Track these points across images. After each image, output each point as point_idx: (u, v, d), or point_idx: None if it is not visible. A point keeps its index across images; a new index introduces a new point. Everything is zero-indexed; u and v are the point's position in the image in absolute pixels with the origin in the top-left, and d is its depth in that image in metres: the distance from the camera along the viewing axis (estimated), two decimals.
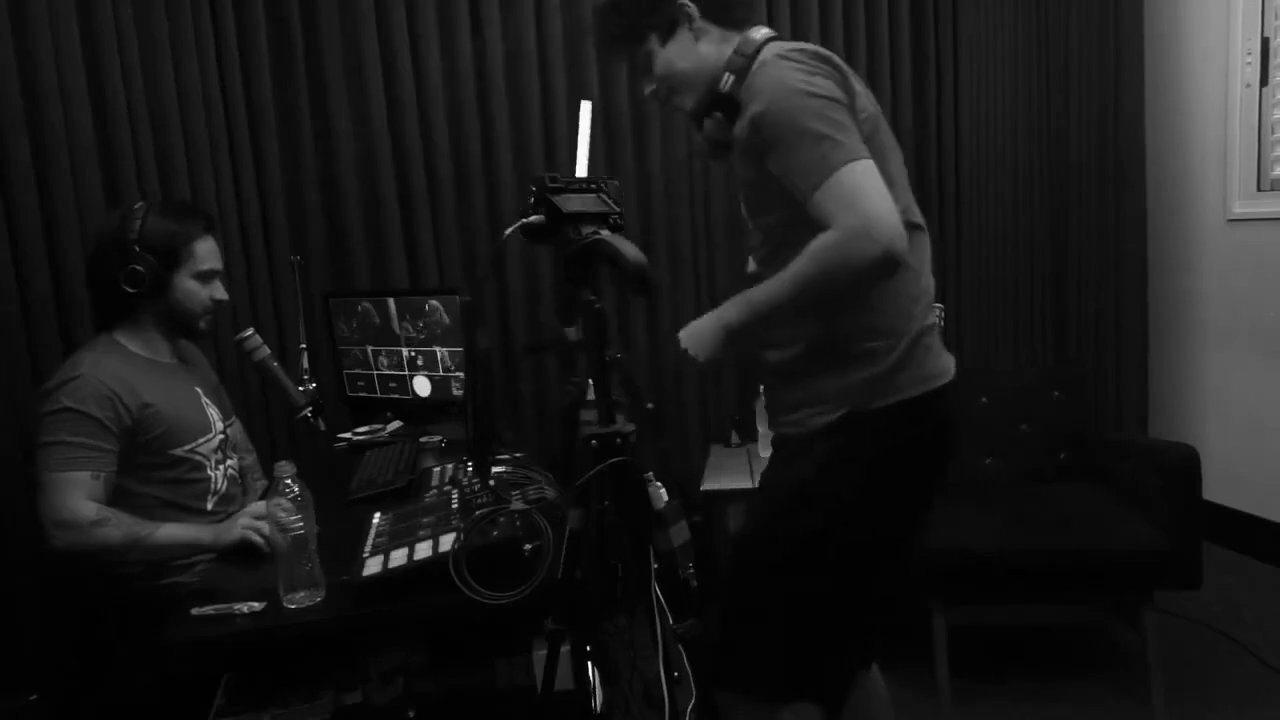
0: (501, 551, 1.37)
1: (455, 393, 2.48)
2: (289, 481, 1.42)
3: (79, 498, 1.64)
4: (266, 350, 1.93)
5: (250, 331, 1.94)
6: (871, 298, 1.32)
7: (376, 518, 1.65)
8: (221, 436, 1.93)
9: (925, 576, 2.29)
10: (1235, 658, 2.43)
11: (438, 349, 2.48)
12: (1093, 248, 3.15)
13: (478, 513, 1.42)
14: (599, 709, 1.56)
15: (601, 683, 1.57)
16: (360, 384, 2.65)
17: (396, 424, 2.54)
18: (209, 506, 1.86)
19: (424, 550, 1.41)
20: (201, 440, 1.86)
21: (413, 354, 2.53)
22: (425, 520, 1.57)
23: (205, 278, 1.86)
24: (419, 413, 2.55)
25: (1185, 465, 2.19)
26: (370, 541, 1.53)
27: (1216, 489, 2.98)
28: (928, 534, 2.34)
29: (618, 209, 1.37)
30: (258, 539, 1.65)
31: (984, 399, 2.71)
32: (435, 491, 1.80)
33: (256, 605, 1.40)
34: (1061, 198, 3.14)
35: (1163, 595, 2.31)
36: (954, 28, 3.08)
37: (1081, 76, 3.06)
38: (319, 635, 1.38)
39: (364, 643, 1.53)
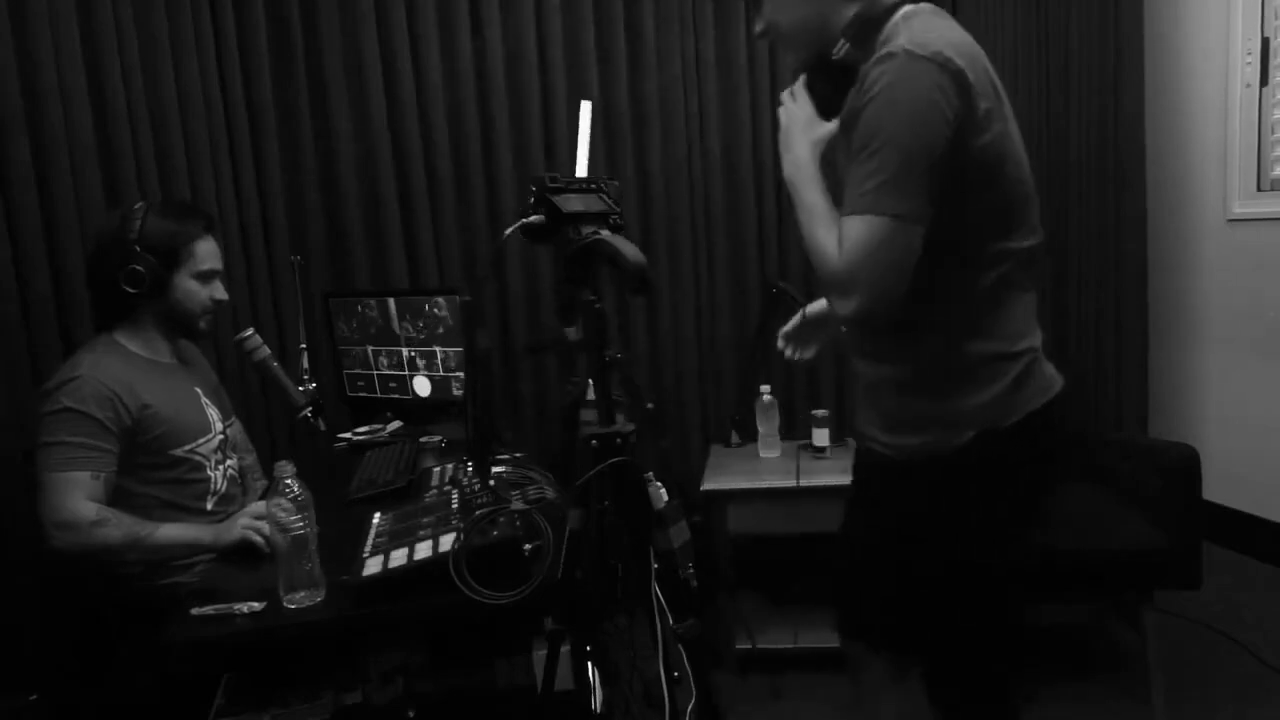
0: (501, 551, 1.37)
1: (455, 393, 2.48)
2: (289, 481, 1.42)
3: (79, 498, 1.64)
4: (266, 350, 1.93)
5: (250, 331, 1.94)
6: (993, 318, 1.27)
7: (376, 518, 1.65)
8: (221, 437, 1.93)
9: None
10: (1235, 658, 2.43)
11: (438, 349, 2.48)
12: (1093, 248, 3.15)
13: (478, 513, 1.42)
14: (599, 709, 1.56)
15: (601, 683, 1.57)
16: (360, 384, 2.65)
17: (396, 424, 2.54)
18: (209, 507, 1.86)
19: (424, 550, 1.41)
20: (201, 440, 1.86)
21: (413, 354, 2.53)
22: (425, 520, 1.57)
23: (205, 278, 1.86)
24: (419, 413, 2.55)
25: (1185, 465, 2.19)
26: (370, 541, 1.53)
27: (1216, 489, 2.98)
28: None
29: (618, 209, 1.36)
30: (258, 539, 1.65)
31: None
32: (435, 491, 1.80)
33: (256, 605, 1.40)
34: (1061, 198, 3.14)
35: (1163, 595, 2.30)
36: None
37: (1081, 76, 3.06)
38: (319, 635, 1.38)
39: (364, 643, 1.53)
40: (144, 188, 2.31)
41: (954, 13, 3.06)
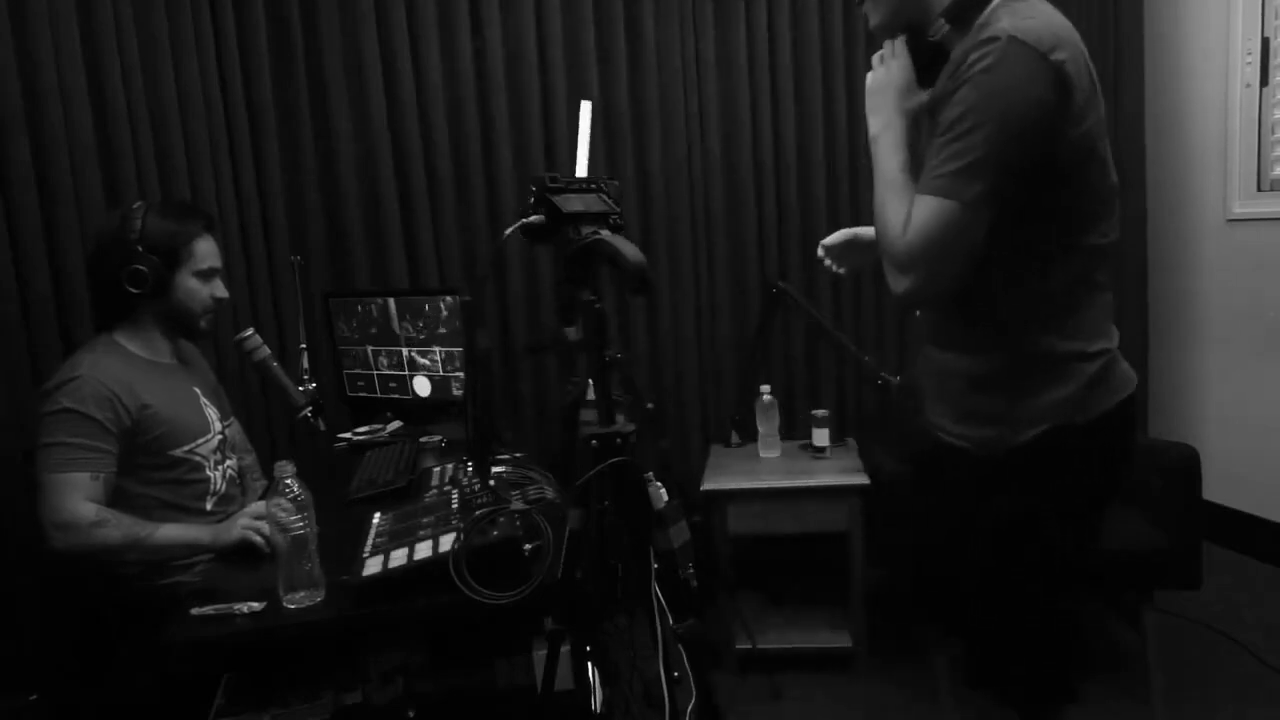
0: (501, 551, 1.37)
1: (455, 393, 2.48)
2: (289, 481, 1.42)
3: (78, 499, 1.64)
4: (266, 350, 1.93)
5: (250, 331, 1.94)
6: (1072, 317, 1.28)
7: (376, 518, 1.65)
8: (220, 437, 1.93)
9: (926, 577, 2.29)
10: (1235, 658, 2.43)
11: (438, 349, 2.48)
12: None
13: (478, 513, 1.42)
14: (599, 709, 1.56)
15: (601, 683, 1.57)
16: (360, 384, 2.65)
17: (396, 424, 2.54)
18: (208, 507, 1.86)
19: (424, 550, 1.41)
20: (200, 441, 1.86)
21: (413, 354, 2.53)
22: (425, 520, 1.57)
23: (206, 276, 1.86)
24: (419, 413, 2.55)
25: (1185, 465, 2.19)
26: (370, 541, 1.53)
27: (1216, 489, 2.98)
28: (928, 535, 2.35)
29: (618, 209, 1.36)
30: (257, 539, 1.65)
31: None
32: (435, 491, 1.80)
33: (256, 605, 1.40)
34: None
35: (1163, 595, 2.31)
36: None
37: None
38: (319, 635, 1.38)
39: (364, 643, 1.53)
40: (144, 188, 2.31)
41: None
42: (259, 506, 1.72)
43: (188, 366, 1.97)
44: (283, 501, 1.40)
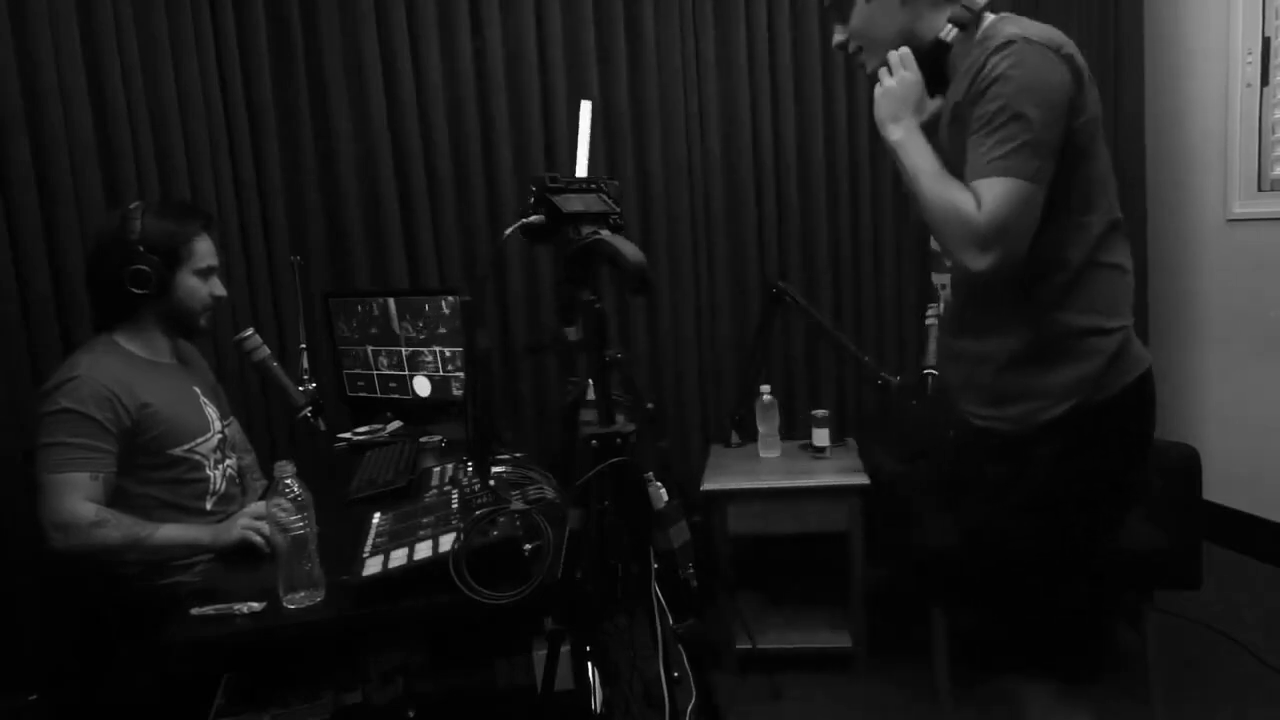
0: (501, 551, 1.37)
1: (455, 393, 2.48)
2: (289, 481, 1.42)
3: (78, 499, 1.64)
4: (266, 350, 1.93)
5: (250, 331, 1.94)
6: (1089, 293, 1.35)
7: (376, 518, 1.65)
8: (220, 436, 1.93)
9: (926, 577, 2.29)
10: (1235, 658, 2.43)
11: (437, 349, 2.48)
12: None
13: (478, 513, 1.42)
14: (599, 709, 1.56)
15: (601, 683, 1.57)
16: (360, 384, 2.65)
17: (396, 424, 2.54)
18: (208, 506, 1.86)
19: (424, 550, 1.41)
20: (200, 440, 1.86)
21: (413, 354, 2.53)
22: (425, 520, 1.57)
23: (205, 275, 1.87)
24: (419, 413, 2.55)
25: (1185, 465, 2.19)
26: (370, 541, 1.53)
27: (1216, 489, 2.98)
28: (927, 534, 2.35)
29: (618, 209, 1.36)
30: (257, 539, 1.65)
31: None
32: (435, 491, 1.80)
33: (256, 605, 1.40)
34: None
35: (1163, 595, 2.31)
36: None
37: None
38: (319, 635, 1.38)
39: (364, 643, 1.52)
40: (144, 188, 2.31)
41: None
42: (259, 507, 1.72)
43: (187, 366, 1.97)
44: (283, 501, 1.40)
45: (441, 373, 2.49)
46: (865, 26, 1.45)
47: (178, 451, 1.81)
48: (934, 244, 1.55)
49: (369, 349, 2.60)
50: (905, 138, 1.39)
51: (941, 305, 1.55)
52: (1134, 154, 3.10)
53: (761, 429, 2.75)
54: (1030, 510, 1.40)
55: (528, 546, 1.44)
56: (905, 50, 1.41)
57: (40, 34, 2.07)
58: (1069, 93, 1.27)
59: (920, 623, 2.39)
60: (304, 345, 2.39)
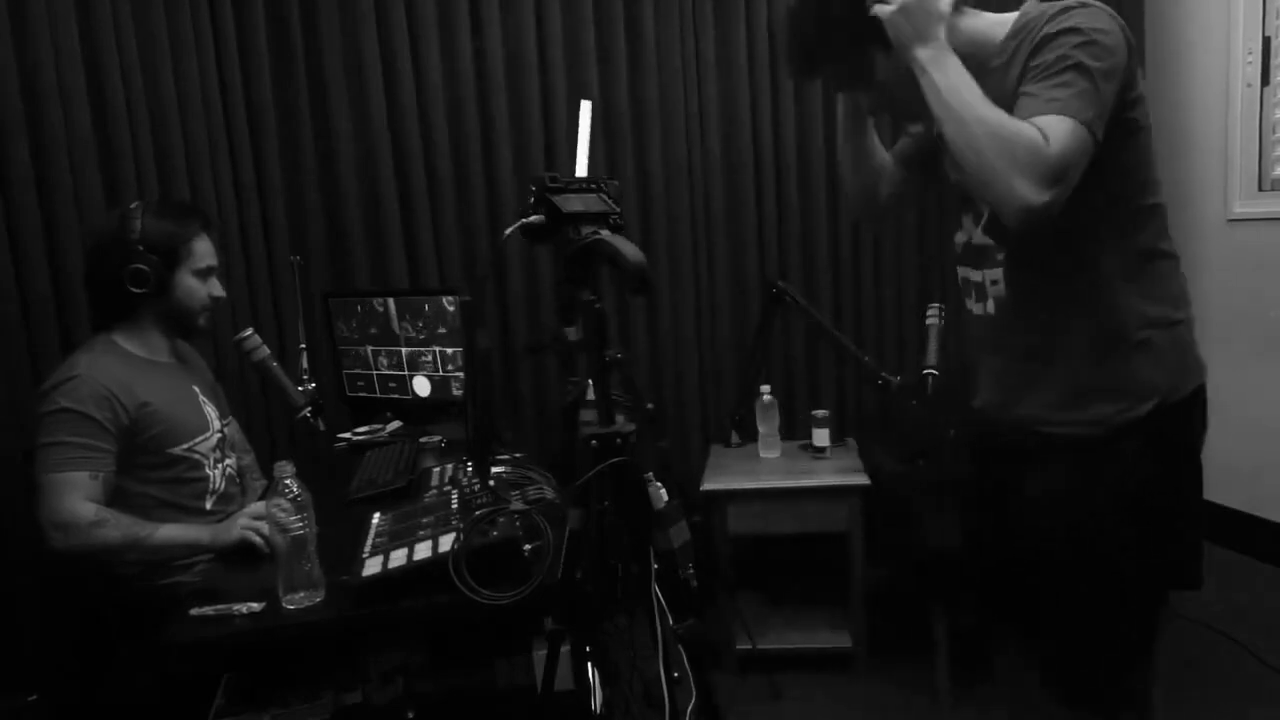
0: (501, 552, 1.37)
1: (455, 393, 2.48)
2: (288, 481, 1.41)
3: (77, 498, 1.64)
4: (266, 350, 1.93)
5: (250, 331, 1.94)
6: (1152, 280, 1.30)
7: (376, 518, 1.65)
8: (219, 435, 1.93)
9: (926, 577, 2.29)
10: (1235, 658, 2.43)
11: (437, 349, 2.48)
12: None
13: (477, 513, 1.42)
14: (599, 709, 1.56)
15: (601, 683, 1.57)
16: (360, 384, 2.65)
17: (396, 424, 2.54)
18: (208, 506, 1.86)
19: (424, 550, 1.41)
20: (199, 439, 1.86)
21: (413, 354, 2.53)
22: (425, 520, 1.56)
23: (204, 275, 1.87)
24: (419, 413, 2.55)
25: None
26: (370, 541, 1.53)
27: (1217, 489, 2.97)
28: (927, 534, 2.35)
29: (618, 209, 1.36)
30: (257, 539, 1.65)
31: None
32: (435, 491, 1.80)
33: (256, 605, 1.40)
34: None
35: None
36: None
37: None
38: (319, 635, 1.38)
39: (364, 643, 1.52)
40: (144, 188, 2.31)
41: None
42: (258, 507, 1.72)
43: (186, 365, 1.97)
44: (282, 502, 1.40)
45: (441, 373, 2.49)
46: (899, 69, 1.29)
47: (177, 451, 1.81)
48: (959, 237, 1.44)
49: (369, 349, 2.60)
50: (938, 54, 1.23)
51: (977, 300, 1.43)
52: None
53: (761, 429, 2.75)
54: (1118, 522, 1.30)
55: (528, 547, 1.44)
56: None
57: (40, 34, 2.07)
58: (1126, 59, 1.21)
59: (920, 623, 2.38)
60: (304, 345, 2.39)
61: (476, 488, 1.62)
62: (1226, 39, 3.00)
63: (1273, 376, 3.00)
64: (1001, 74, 1.27)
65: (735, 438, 2.88)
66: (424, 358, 2.51)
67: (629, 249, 1.21)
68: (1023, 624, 1.52)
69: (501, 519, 1.41)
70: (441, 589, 1.31)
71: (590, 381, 1.34)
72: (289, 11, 2.65)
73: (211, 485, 1.87)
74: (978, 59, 1.27)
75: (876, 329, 3.11)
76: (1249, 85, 2.97)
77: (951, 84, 1.22)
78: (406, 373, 2.55)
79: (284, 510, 1.39)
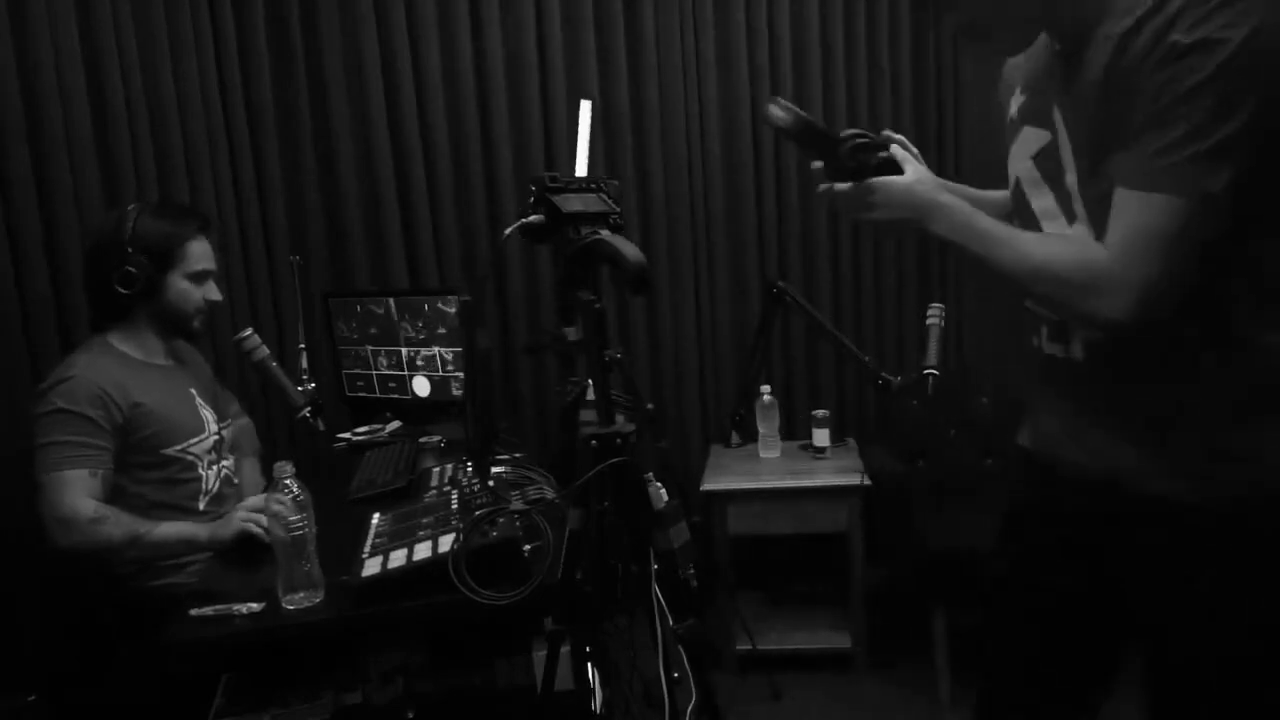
0: (501, 552, 1.37)
1: (455, 393, 2.48)
2: (288, 482, 1.41)
3: (78, 495, 1.65)
4: (266, 350, 1.93)
5: (249, 331, 1.94)
6: None
7: (376, 518, 1.65)
8: (216, 438, 1.94)
9: (926, 577, 2.29)
10: None
11: (438, 349, 2.48)
12: None
13: (477, 513, 1.42)
14: (599, 709, 1.56)
15: (601, 683, 1.57)
16: (360, 384, 2.65)
17: (396, 424, 2.54)
18: (201, 506, 1.86)
19: (423, 551, 1.41)
20: (194, 441, 1.86)
21: (413, 354, 2.53)
22: (425, 520, 1.56)
23: (198, 278, 1.86)
24: (418, 413, 2.55)
25: None
26: (370, 542, 1.53)
27: None
28: (927, 534, 2.36)
29: (618, 209, 1.36)
30: (256, 530, 1.65)
31: (984, 399, 2.71)
32: (435, 492, 1.80)
33: (256, 606, 1.40)
34: None
35: None
36: None
37: None
38: (319, 635, 1.38)
39: (364, 643, 1.53)
40: (143, 188, 2.31)
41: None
42: (256, 500, 1.72)
43: (184, 367, 1.97)
44: (282, 501, 1.40)
45: (441, 373, 2.49)
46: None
47: (171, 451, 1.81)
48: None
49: (369, 349, 2.60)
50: (946, 220, 1.10)
51: (1054, 341, 1.16)
52: None
53: (761, 429, 2.75)
54: (1242, 625, 1.02)
55: (527, 547, 1.44)
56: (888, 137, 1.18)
57: (40, 34, 2.07)
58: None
59: (920, 623, 2.39)
60: (303, 345, 2.39)
61: (476, 488, 1.62)
62: None
63: None
64: (1115, 51, 0.96)
65: (735, 438, 2.88)
66: (424, 358, 2.51)
67: (629, 249, 1.21)
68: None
69: (501, 519, 1.41)
70: (441, 589, 1.31)
71: (590, 381, 1.34)
72: (289, 11, 2.65)
73: (205, 486, 1.88)
74: (1083, 21, 1.00)
75: (876, 329, 3.11)
76: None
77: (980, 247, 1.08)
78: (406, 373, 2.55)
79: (284, 510, 1.39)
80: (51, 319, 2.11)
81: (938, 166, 3.14)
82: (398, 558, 1.41)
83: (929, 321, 2.58)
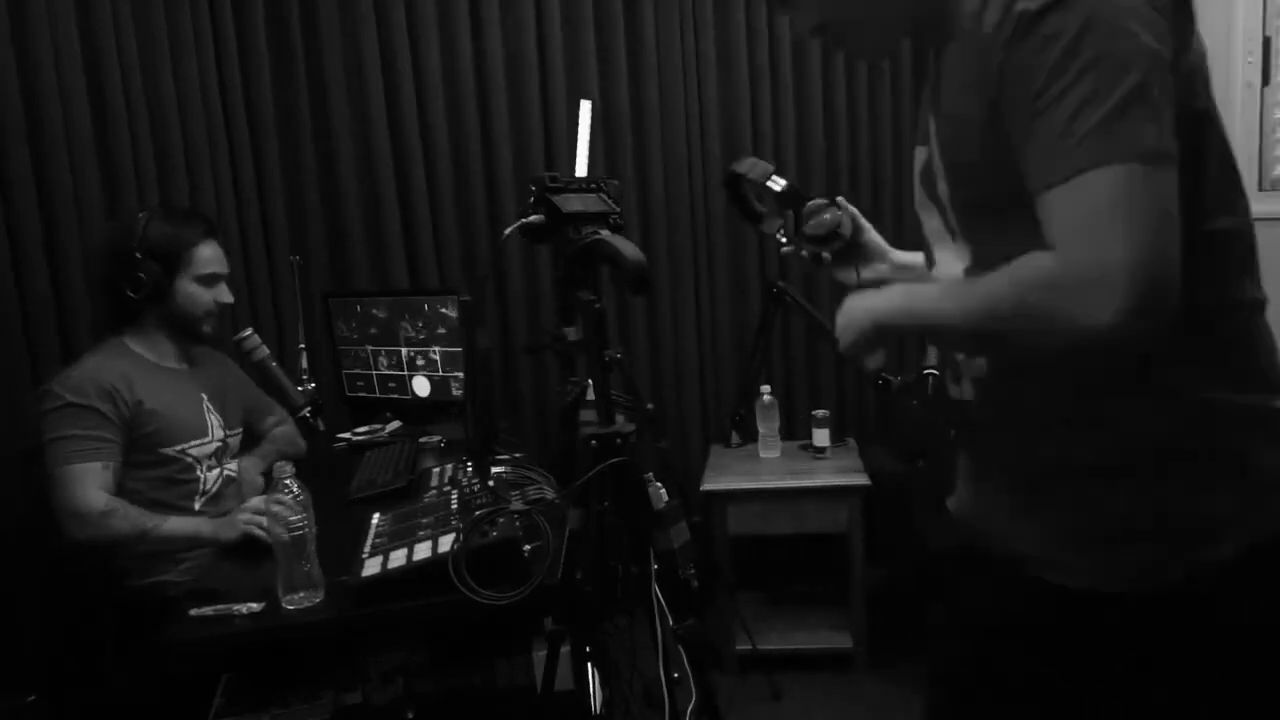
0: (501, 552, 1.37)
1: (455, 393, 2.48)
2: (288, 482, 1.41)
3: (91, 487, 1.67)
4: (265, 350, 1.93)
5: (249, 331, 1.94)
6: (1249, 350, 0.88)
7: (376, 518, 1.65)
8: (219, 443, 1.94)
9: (925, 576, 2.29)
10: None
11: (437, 349, 2.48)
12: None
13: (477, 513, 1.42)
14: (599, 709, 1.56)
15: (601, 683, 1.57)
16: (360, 384, 2.65)
17: (396, 424, 2.54)
18: (196, 506, 1.87)
19: (423, 551, 1.41)
20: (195, 443, 1.87)
21: (413, 354, 2.53)
22: (425, 520, 1.56)
23: (208, 281, 1.88)
24: (418, 413, 2.55)
25: None
26: (370, 542, 1.53)
27: None
28: (927, 534, 2.35)
29: (618, 209, 1.36)
30: (258, 532, 1.65)
31: None
32: (435, 492, 1.80)
33: (256, 606, 1.40)
34: None
35: None
36: None
37: None
38: (319, 635, 1.38)
39: (364, 643, 1.53)
40: (143, 188, 2.31)
41: None
42: (257, 501, 1.72)
43: (198, 372, 1.98)
44: (283, 501, 1.40)
45: (441, 373, 2.49)
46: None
47: (170, 451, 1.83)
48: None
49: (369, 349, 2.60)
50: (884, 319, 0.94)
51: (952, 379, 1.03)
52: None
53: (761, 429, 2.75)
54: None
55: (527, 547, 1.44)
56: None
57: (40, 34, 2.07)
58: (1164, 17, 0.76)
59: (920, 623, 2.38)
60: (303, 345, 2.39)
61: (476, 488, 1.62)
62: (1226, 39, 3.00)
63: None
64: (975, 44, 0.81)
65: (735, 438, 2.88)
66: (424, 358, 2.51)
67: (628, 249, 1.21)
68: None
69: (501, 519, 1.41)
70: (441, 589, 1.31)
71: (590, 381, 1.34)
72: (289, 11, 2.65)
73: (202, 487, 1.89)
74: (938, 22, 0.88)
75: None
76: (1249, 85, 2.97)
77: (927, 311, 0.90)
78: (406, 373, 2.55)
79: (284, 510, 1.39)
80: (51, 319, 2.11)
81: None
82: (398, 558, 1.41)
83: None
